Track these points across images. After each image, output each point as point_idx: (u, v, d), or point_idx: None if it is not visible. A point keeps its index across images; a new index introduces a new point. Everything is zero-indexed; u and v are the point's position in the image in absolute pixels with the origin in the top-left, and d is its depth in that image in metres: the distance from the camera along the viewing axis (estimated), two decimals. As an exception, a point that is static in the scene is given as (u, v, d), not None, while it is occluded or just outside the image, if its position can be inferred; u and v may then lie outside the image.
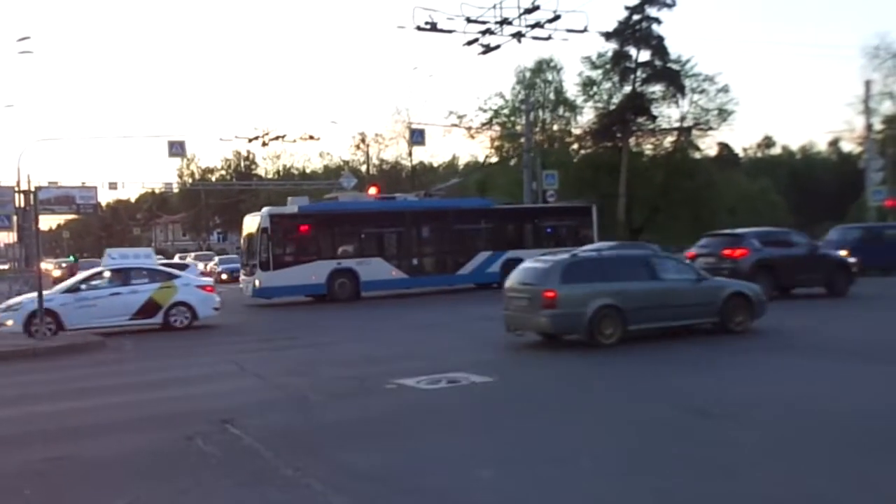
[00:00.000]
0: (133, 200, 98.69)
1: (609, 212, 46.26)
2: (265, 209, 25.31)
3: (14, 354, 14.16)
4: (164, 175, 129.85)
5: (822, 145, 78.29)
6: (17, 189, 34.20)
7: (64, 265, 47.78)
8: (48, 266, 56.74)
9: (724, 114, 47.45)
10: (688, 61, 46.96)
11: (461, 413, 8.55)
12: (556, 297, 11.89)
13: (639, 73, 47.34)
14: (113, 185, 46.30)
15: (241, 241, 26.99)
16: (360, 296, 24.55)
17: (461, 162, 68.80)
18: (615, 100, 48.01)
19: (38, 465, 6.90)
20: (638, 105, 46.72)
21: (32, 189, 33.52)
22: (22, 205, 33.68)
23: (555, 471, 6.17)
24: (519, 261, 26.76)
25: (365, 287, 24.61)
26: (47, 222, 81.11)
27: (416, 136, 39.26)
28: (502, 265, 26.09)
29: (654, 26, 46.51)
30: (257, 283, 24.01)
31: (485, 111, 50.96)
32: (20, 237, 39.04)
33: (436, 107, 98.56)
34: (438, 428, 7.86)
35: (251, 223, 25.05)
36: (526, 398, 9.13)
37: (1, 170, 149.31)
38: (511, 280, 13.25)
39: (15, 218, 36.00)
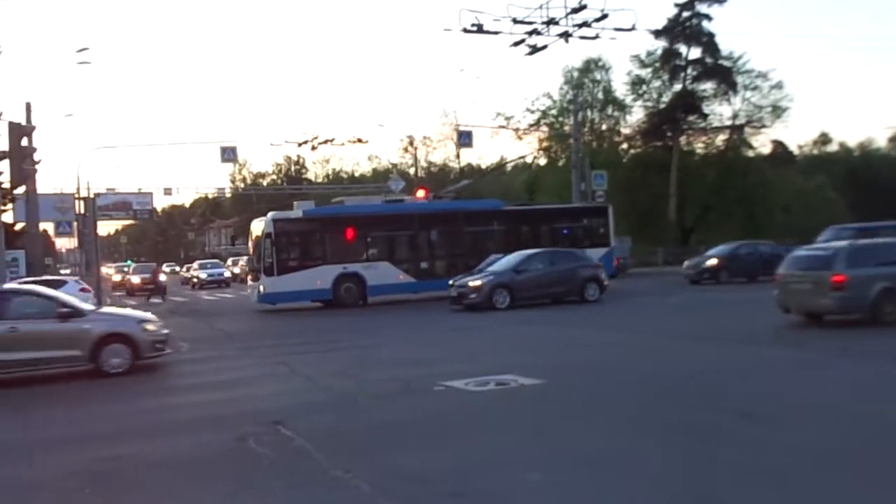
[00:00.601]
0: (187, 205, 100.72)
1: (659, 211, 45.72)
2: (270, 214, 25.10)
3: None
4: (217, 180, 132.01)
5: (881, 141, 76.08)
6: (77, 196, 35.19)
7: (125, 269, 49.05)
8: (108, 270, 58.31)
9: (777, 111, 46.50)
10: (740, 58, 46.16)
11: (510, 416, 8.52)
12: (845, 280, 13.27)
13: (689, 70, 46.69)
14: (168, 191, 47.20)
15: (250, 246, 26.69)
16: (366, 301, 24.22)
17: (509, 163, 68.67)
18: (665, 98, 47.42)
19: (99, 465, 7.09)
20: (688, 103, 46.07)
21: (91, 196, 34.69)
22: (82, 211, 34.61)
23: (604, 475, 6.12)
24: None
25: (372, 291, 24.23)
26: (106, 228, 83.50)
27: (464, 138, 39.31)
28: None
29: (705, 23, 45.85)
30: (261, 288, 23.84)
31: (532, 112, 50.77)
32: (81, 243, 40.15)
33: (483, 108, 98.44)
34: (487, 430, 7.85)
35: (257, 228, 24.82)
36: (575, 401, 9.06)
37: (62, 178, 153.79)
38: (786, 267, 14.74)
39: (76, 224, 37.08)
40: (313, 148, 42.48)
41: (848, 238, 24.42)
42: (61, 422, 9.40)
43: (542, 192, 56.43)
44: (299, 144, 42.12)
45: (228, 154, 34.39)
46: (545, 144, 52.30)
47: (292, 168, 76.72)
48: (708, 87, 46.75)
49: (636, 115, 49.62)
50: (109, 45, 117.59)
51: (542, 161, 57.01)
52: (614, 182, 38.18)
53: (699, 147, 49.41)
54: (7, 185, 19.43)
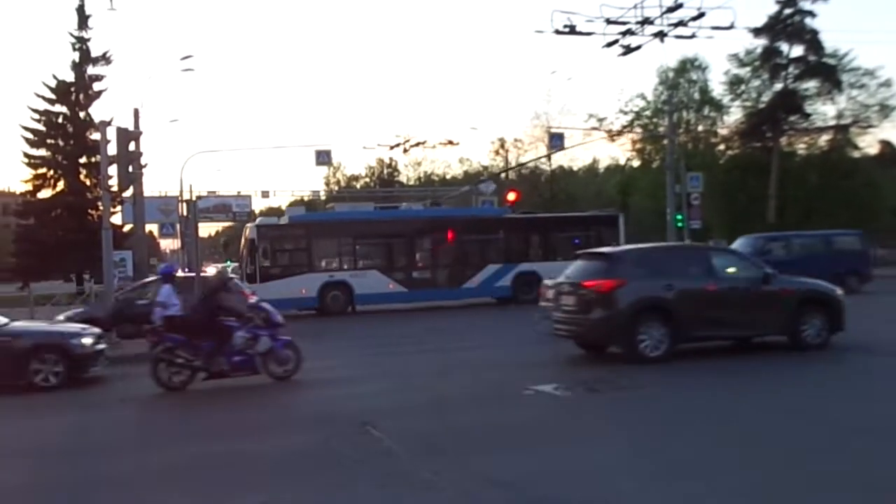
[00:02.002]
0: (283, 208, 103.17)
1: (758, 214, 44.16)
2: (258, 219, 24.95)
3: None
4: (312, 183, 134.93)
5: None
6: (180, 199, 36.58)
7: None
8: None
9: (885, 110, 44.19)
10: (845, 55, 44.10)
11: (600, 422, 8.36)
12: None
13: (791, 69, 44.93)
14: (265, 194, 48.56)
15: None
16: (354, 310, 23.66)
17: (601, 165, 67.78)
18: (765, 98, 45.77)
19: (197, 461, 7.30)
20: (790, 103, 44.34)
21: (193, 198, 35.97)
22: (184, 213, 35.94)
23: (700, 487, 5.91)
24: (532, 274, 25.00)
25: (359, 300, 23.59)
26: (206, 229, 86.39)
27: (556, 140, 38.95)
28: (513, 279, 24.90)
29: (808, 20, 44.02)
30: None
31: (626, 113, 49.93)
32: (183, 244, 41.68)
33: (575, 110, 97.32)
34: (577, 436, 7.72)
35: (245, 234, 24.46)
36: (667, 408, 8.82)
37: (166, 181, 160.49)
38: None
39: (178, 226, 38.54)
40: (405, 150, 42.93)
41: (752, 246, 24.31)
42: (164, 421, 9.77)
43: (636, 194, 55.43)
44: (392, 147, 42.60)
45: (323, 157, 35.10)
46: (639, 146, 51.40)
47: (385, 171, 77.70)
48: (811, 85, 44.88)
49: (734, 115, 48.15)
50: (212, 52, 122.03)
51: (636, 163, 56.02)
52: (710, 184, 37.12)
53: (801, 148, 47.52)
54: (116, 188, 20.17)
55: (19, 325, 12.71)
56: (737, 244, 25.02)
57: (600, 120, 50.34)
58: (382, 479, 6.39)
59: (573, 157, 56.47)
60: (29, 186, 43.93)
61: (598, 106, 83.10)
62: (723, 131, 49.40)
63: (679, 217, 34.42)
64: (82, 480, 6.92)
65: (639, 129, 49.61)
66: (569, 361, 12.51)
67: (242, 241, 25.13)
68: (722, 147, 49.60)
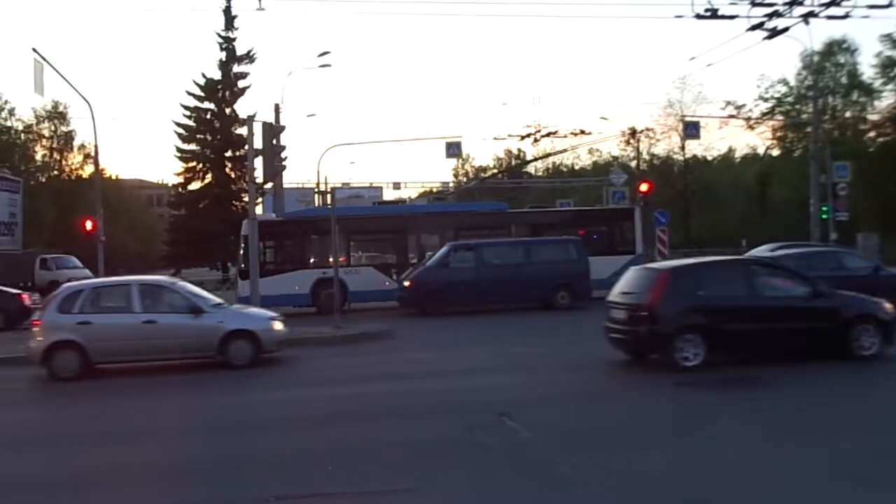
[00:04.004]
0: (413, 198, 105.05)
1: (912, 207, 41.33)
2: (258, 216, 24.12)
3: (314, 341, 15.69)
4: (441, 174, 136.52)
5: None
6: (316, 190, 37.97)
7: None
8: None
9: None
10: None
11: (734, 421, 8.12)
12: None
13: (952, 48, 41.73)
14: (396, 185, 49.52)
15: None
16: (350, 307, 22.47)
17: (738, 154, 65.16)
18: (921, 81, 42.72)
19: (341, 443, 7.60)
20: (950, 85, 41.21)
21: (329, 190, 37.27)
22: (320, 204, 37.27)
23: (853, 493, 5.66)
24: None
25: (353, 298, 22.48)
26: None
27: (690, 129, 37.80)
28: None
29: (973, -6, 40.69)
30: (238, 292, 22.87)
31: (766, 100, 47.67)
32: (319, 233, 43.14)
33: (711, 98, 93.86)
34: (714, 435, 7.55)
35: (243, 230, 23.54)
36: (802, 409, 8.52)
37: (303, 173, 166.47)
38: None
39: (315, 216, 39.90)
40: (536, 141, 42.73)
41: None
42: (305, 400, 10.22)
43: (776, 184, 52.98)
44: (522, 138, 42.49)
45: (453, 149, 35.42)
46: (779, 134, 49.08)
47: (513, 162, 77.68)
48: (974, 66, 41.55)
49: (886, 100, 45.09)
50: (347, 48, 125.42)
51: (776, 152, 53.57)
52: (859, 173, 34.98)
53: (961, 134, 44.08)
54: (259, 180, 21.16)
55: None
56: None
57: (738, 107, 48.37)
58: (522, 470, 6.47)
59: (708, 147, 54.46)
60: (181, 179, 46.75)
61: (736, 93, 79.90)
62: (873, 117, 46.41)
63: (824, 209, 32.74)
64: (246, 458, 7.36)
65: (780, 117, 47.34)
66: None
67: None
68: (872, 134, 46.62)
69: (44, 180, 61.78)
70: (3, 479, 7.01)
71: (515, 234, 24.87)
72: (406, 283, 21.00)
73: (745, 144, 68.44)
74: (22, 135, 62.43)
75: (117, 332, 12.35)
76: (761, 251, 22.98)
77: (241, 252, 23.05)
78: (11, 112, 61.45)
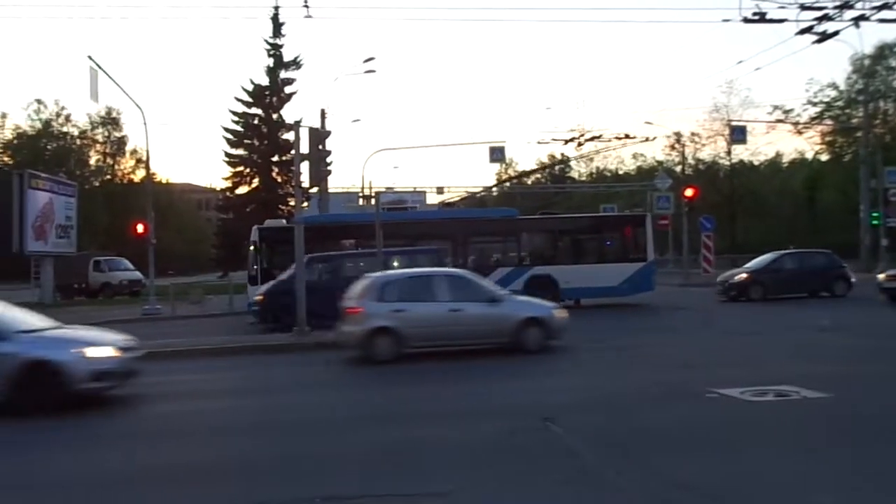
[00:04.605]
0: (455, 203, 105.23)
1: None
2: (267, 222, 24.58)
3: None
4: (483, 179, 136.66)
5: None
6: (361, 194, 38.39)
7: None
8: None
9: None
10: None
11: (791, 430, 8.03)
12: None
13: None
14: (440, 190, 49.73)
15: None
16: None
17: (785, 159, 64.14)
18: (978, 84, 41.66)
19: (391, 445, 7.70)
20: None
21: (373, 194, 37.67)
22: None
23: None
24: (547, 277, 23.88)
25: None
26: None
27: (737, 134, 37.39)
28: (526, 282, 23.36)
29: None
30: (249, 298, 23.32)
31: (815, 104, 46.90)
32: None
33: (757, 102, 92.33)
34: (764, 444, 7.45)
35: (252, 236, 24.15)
36: (867, 419, 8.33)
37: (348, 177, 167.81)
38: None
39: (357, 220, 40.33)
40: (579, 145, 42.62)
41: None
42: (365, 403, 10.40)
43: (824, 189, 52.11)
44: (566, 142, 42.50)
45: (497, 154, 35.55)
46: (828, 139, 48.24)
47: (556, 167, 77.42)
48: None
49: (940, 104, 44.13)
50: (391, 53, 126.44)
51: (824, 157, 52.63)
52: (913, 179, 34.28)
53: None
54: (306, 184, 21.50)
55: None
56: None
57: (786, 112, 47.69)
58: (565, 477, 6.47)
59: (755, 152, 53.72)
60: (228, 183, 47.60)
61: (784, 97, 79.12)
62: (926, 121, 45.41)
63: (875, 214, 32.17)
64: (296, 454, 7.49)
65: (829, 121, 46.55)
66: (758, 363, 12.10)
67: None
68: (925, 138, 45.61)
69: (97, 184, 63.38)
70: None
71: (525, 241, 25.24)
72: (258, 297, 20.58)
73: (793, 149, 67.02)
74: (77, 140, 64.08)
75: (427, 318, 13.43)
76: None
77: (250, 258, 23.61)
78: (68, 118, 63.31)
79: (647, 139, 43.38)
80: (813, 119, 46.90)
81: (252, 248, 23.64)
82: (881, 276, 22.03)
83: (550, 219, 27.80)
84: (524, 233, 25.61)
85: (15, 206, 32.08)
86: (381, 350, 13.22)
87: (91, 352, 9.99)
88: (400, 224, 24.84)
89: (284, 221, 26.41)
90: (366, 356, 13.32)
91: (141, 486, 6.67)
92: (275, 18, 44.80)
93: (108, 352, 10.19)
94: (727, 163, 54.71)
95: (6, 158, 53.99)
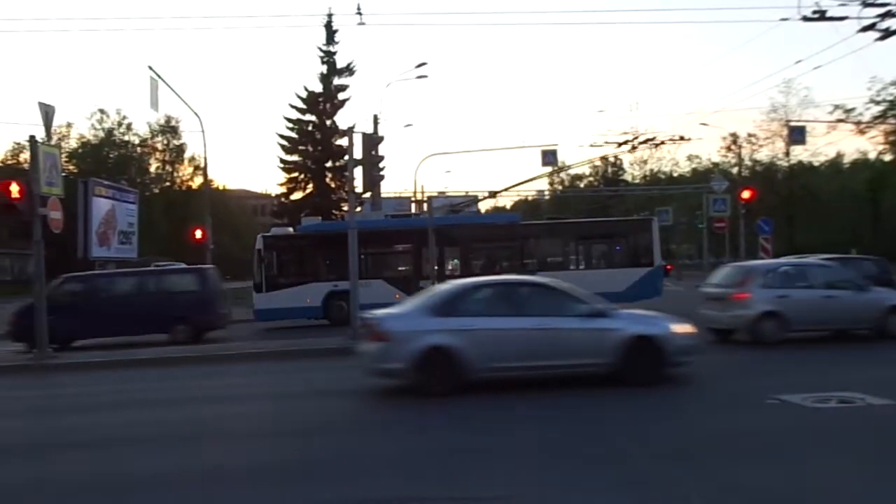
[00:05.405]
0: (508, 208, 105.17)
1: None
2: (273, 229, 24.87)
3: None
4: (537, 182, 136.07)
5: None
6: (413, 199, 38.56)
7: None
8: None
9: None
10: None
11: (855, 438, 7.82)
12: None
13: None
14: (492, 194, 49.57)
15: None
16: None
17: (846, 160, 62.51)
18: None
19: (443, 447, 7.70)
20: None
21: (425, 198, 37.79)
22: (415, 212, 37.81)
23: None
24: None
25: (364, 310, 22.32)
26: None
27: (796, 135, 36.49)
28: None
29: None
30: (254, 305, 23.74)
31: (878, 103, 45.70)
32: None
33: (817, 102, 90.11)
34: (828, 452, 7.29)
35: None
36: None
37: (400, 181, 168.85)
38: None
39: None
40: (634, 147, 42.06)
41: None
42: (423, 408, 10.42)
43: (888, 190, 50.71)
44: (619, 145, 41.87)
45: (549, 157, 35.25)
46: (892, 139, 46.94)
47: (609, 170, 76.73)
48: None
49: None
50: (443, 58, 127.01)
51: (888, 157, 51.22)
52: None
53: None
54: (359, 189, 21.69)
55: None
56: None
57: (847, 111, 46.53)
58: (620, 480, 6.44)
59: (815, 153, 52.48)
60: (283, 189, 48.41)
61: (845, 96, 77.25)
62: None
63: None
64: (352, 456, 7.56)
65: (892, 120, 45.29)
66: (817, 369, 11.83)
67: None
68: None
69: (157, 191, 64.92)
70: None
71: (529, 247, 25.12)
72: (11, 316, 19.84)
73: (855, 149, 65.35)
74: (138, 148, 65.75)
75: (806, 303, 14.48)
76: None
77: (255, 266, 23.94)
78: (129, 127, 65.02)
79: (682, 139, 42.39)
80: (875, 118, 45.73)
81: (256, 256, 24.03)
82: None
83: (553, 224, 27.76)
84: (527, 238, 25.62)
85: (80, 213, 33.08)
86: (767, 333, 14.41)
87: (677, 328, 10.94)
88: (404, 229, 24.89)
89: (291, 230, 26.86)
90: (752, 339, 14.59)
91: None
92: (328, 26, 45.38)
93: (689, 328, 11.13)
94: (785, 164, 53.58)
95: (71, 167, 55.67)
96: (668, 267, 24.04)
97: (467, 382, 10.22)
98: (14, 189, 15.67)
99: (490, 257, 25.28)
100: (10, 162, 61.45)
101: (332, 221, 29.95)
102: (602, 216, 50.36)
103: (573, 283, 23.83)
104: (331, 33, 45.60)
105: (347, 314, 22.91)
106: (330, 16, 45.46)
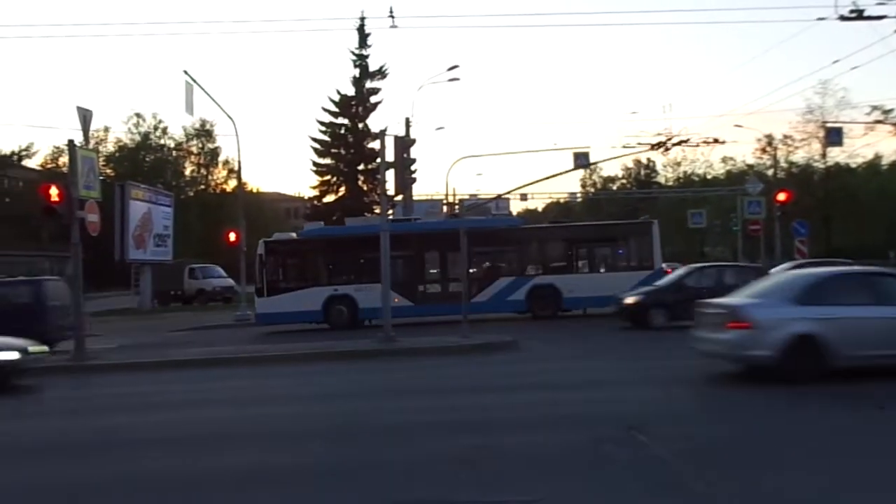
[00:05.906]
0: (540, 210, 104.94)
1: None
2: (275, 235, 25.11)
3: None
4: (568, 185, 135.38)
5: None
6: (444, 201, 38.70)
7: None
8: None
9: None
10: None
11: (891, 438, 7.75)
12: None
13: None
14: (524, 196, 49.58)
15: None
16: (359, 324, 22.70)
17: (885, 161, 61.35)
18: None
19: (467, 453, 7.62)
20: None
21: (457, 201, 37.90)
22: (447, 214, 37.89)
23: None
24: (549, 287, 23.61)
25: (364, 314, 22.75)
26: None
27: (833, 136, 36.04)
28: (528, 292, 23.26)
29: None
30: (255, 308, 24.08)
31: (918, 103, 44.80)
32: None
33: (854, 103, 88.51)
34: (863, 454, 7.21)
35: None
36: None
37: (432, 184, 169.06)
38: None
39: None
40: (667, 150, 41.71)
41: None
42: (446, 409, 10.42)
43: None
44: (652, 147, 41.58)
45: (581, 160, 35.06)
46: (933, 139, 46.03)
47: (642, 172, 76.23)
48: None
49: None
50: (475, 61, 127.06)
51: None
52: None
53: None
54: (391, 192, 21.81)
55: None
56: None
57: (885, 112, 45.72)
58: (651, 486, 6.41)
59: (852, 154, 51.54)
60: (316, 192, 48.81)
61: (883, 97, 75.75)
62: None
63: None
64: (363, 463, 7.59)
65: (934, 120, 44.44)
66: (846, 376, 11.64)
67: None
68: None
69: (192, 194, 65.66)
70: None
71: (529, 251, 25.18)
72: None
73: (894, 151, 64.03)
74: (174, 152, 66.63)
75: None
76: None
77: (256, 271, 24.21)
78: (164, 131, 65.92)
79: (715, 141, 41.93)
80: (915, 118, 44.87)
81: (258, 260, 24.28)
82: None
83: (553, 227, 27.84)
84: (527, 242, 25.73)
85: (117, 216, 33.64)
86: None
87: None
88: (405, 234, 24.38)
89: (294, 235, 27.16)
90: None
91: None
92: (360, 29, 45.69)
93: None
94: (822, 166, 52.76)
95: (108, 170, 56.59)
96: (668, 271, 23.80)
97: (830, 370, 10.43)
98: (53, 192, 16.05)
99: (490, 261, 25.37)
100: (49, 166, 62.76)
101: (333, 227, 30.36)
102: (634, 218, 49.99)
103: (574, 286, 23.43)
104: (363, 37, 45.91)
105: (347, 318, 23.50)
106: (362, 19, 45.77)
